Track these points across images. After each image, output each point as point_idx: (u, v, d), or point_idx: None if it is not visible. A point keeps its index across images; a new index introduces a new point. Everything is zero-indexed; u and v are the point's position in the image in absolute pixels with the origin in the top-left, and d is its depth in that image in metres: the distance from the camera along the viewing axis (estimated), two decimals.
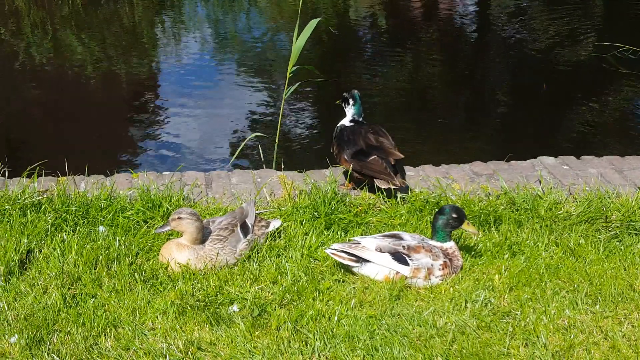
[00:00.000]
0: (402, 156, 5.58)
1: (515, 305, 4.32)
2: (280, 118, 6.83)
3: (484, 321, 4.12)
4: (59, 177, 5.56)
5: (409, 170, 6.20)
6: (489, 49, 11.95)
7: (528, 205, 5.52)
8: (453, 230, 4.64)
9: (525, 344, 3.99)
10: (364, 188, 5.65)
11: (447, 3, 14.04)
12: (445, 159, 6.86)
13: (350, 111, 6.02)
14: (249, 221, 4.75)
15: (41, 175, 5.41)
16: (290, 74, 6.50)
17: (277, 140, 6.77)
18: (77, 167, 5.78)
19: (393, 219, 5.30)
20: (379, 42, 11.98)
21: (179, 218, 4.41)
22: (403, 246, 4.51)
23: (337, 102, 6.12)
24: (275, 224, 4.97)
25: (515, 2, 14.25)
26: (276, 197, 5.61)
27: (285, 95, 6.59)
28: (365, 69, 10.73)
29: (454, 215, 4.58)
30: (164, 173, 5.91)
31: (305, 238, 4.90)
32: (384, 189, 5.46)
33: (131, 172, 5.83)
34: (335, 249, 4.50)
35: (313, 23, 6.52)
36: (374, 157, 5.53)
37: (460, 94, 9.95)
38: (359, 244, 4.53)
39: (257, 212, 4.98)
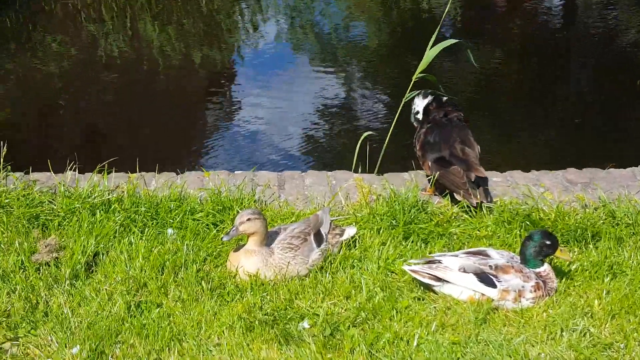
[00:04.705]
0: (485, 175, 5.19)
1: (618, 336, 3.88)
2: (395, 120, 6.40)
3: (582, 354, 3.71)
4: (129, 174, 5.40)
5: (496, 176, 5.76)
6: (577, 44, 11.22)
7: (630, 219, 5.03)
8: (546, 257, 4.22)
9: None
10: (447, 196, 5.27)
11: None
12: (534, 163, 6.40)
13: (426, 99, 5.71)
14: (324, 230, 4.46)
15: (112, 172, 5.25)
16: (415, 78, 6.15)
17: (386, 142, 6.36)
18: (148, 162, 5.62)
19: (478, 231, 4.90)
20: (458, 36, 11.35)
21: (248, 220, 4.14)
22: (490, 265, 4.13)
23: (416, 119, 5.78)
24: (350, 231, 4.65)
25: None
26: (352, 201, 5.29)
27: (406, 98, 6.20)
28: (446, 65, 10.21)
29: (547, 242, 4.16)
30: (236, 172, 5.67)
31: (382, 248, 4.57)
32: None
33: (202, 171, 5.61)
34: (415, 268, 4.16)
35: (451, 41, 6.15)
36: (454, 166, 5.17)
37: (548, 94, 9.32)
38: (440, 262, 4.17)
39: (331, 219, 4.68)
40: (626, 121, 8.45)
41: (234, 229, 4.17)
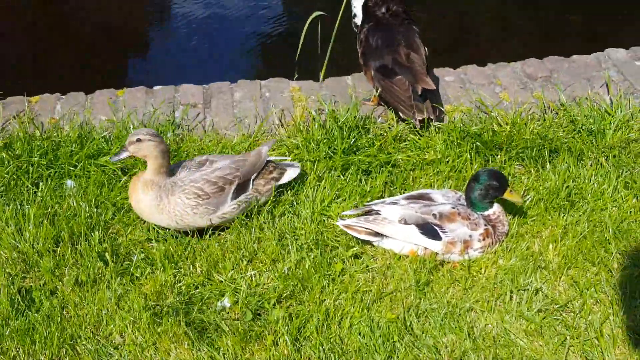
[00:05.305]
0: (434, 87, 4.56)
1: (573, 292, 3.48)
2: (343, 5, 5.47)
3: (533, 323, 3.30)
4: (29, 98, 4.67)
5: (449, 74, 5.15)
6: None
7: (592, 125, 4.51)
8: (493, 199, 3.72)
9: None
10: (388, 103, 4.67)
11: None
12: (497, 51, 5.70)
13: None
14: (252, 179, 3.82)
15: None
16: None
17: (334, 33, 5.47)
18: (55, 87, 4.88)
19: (425, 154, 4.35)
20: None
21: (137, 140, 3.53)
22: (434, 214, 3.62)
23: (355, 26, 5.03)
24: (290, 173, 3.96)
25: None
26: (287, 119, 4.67)
27: None
28: None
29: (494, 184, 3.65)
30: (155, 88, 4.92)
31: (317, 187, 4.03)
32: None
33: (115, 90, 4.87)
34: (349, 223, 3.65)
35: None
36: (399, 77, 4.54)
37: None
38: (379, 213, 3.65)
39: (271, 158, 3.98)
40: None
41: (123, 149, 3.60)
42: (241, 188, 3.76)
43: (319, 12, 5.46)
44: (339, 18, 5.34)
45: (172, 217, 3.61)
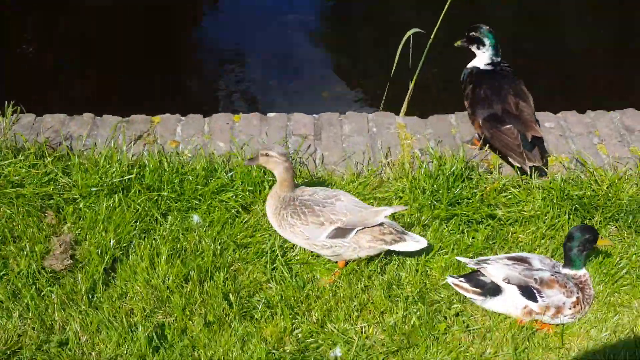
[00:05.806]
0: (542, 134, 4.78)
1: None
2: (439, 21, 5.58)
3: None
4: (151, 118, 5.06)
5: (548, 120, 5.30)
6: None
7: None
8: (590, 251, 3.98)
9: None
10: (496, 152, 4.90)
11: None
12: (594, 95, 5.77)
13: (486, 54, 5.10)
14: (355, 230, 4.00)
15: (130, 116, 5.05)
16: None
17: (419, 66, 5.64)
18: (169, 105, 5.26)
19: (523, 208, 4.54)
20: None
21: (267, 155, 4.02)
22: (535, 279, 3.87)
23: (458, 42, 5.21)
24: (411, 245, 4.00)
25: None
26: (393, 158, 4.90)
27: None
28: None
29: (588, 237, 3.90)
30: (269, 115, 5.24)
31: (422, 236, 4.26)
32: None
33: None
34: (458, 283, 3.92)
35: None
36: (508, 126, 4.73)
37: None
38: (485, 269, 3.91)
39: (390, 222, 4.09)
40: None
41: (255, 158, 4.11)
42: (341, 232, 3.99)
43: (416, 29, 5.63)
44: (427, 48, 5.52)
45: (278, 226, 4.08)
